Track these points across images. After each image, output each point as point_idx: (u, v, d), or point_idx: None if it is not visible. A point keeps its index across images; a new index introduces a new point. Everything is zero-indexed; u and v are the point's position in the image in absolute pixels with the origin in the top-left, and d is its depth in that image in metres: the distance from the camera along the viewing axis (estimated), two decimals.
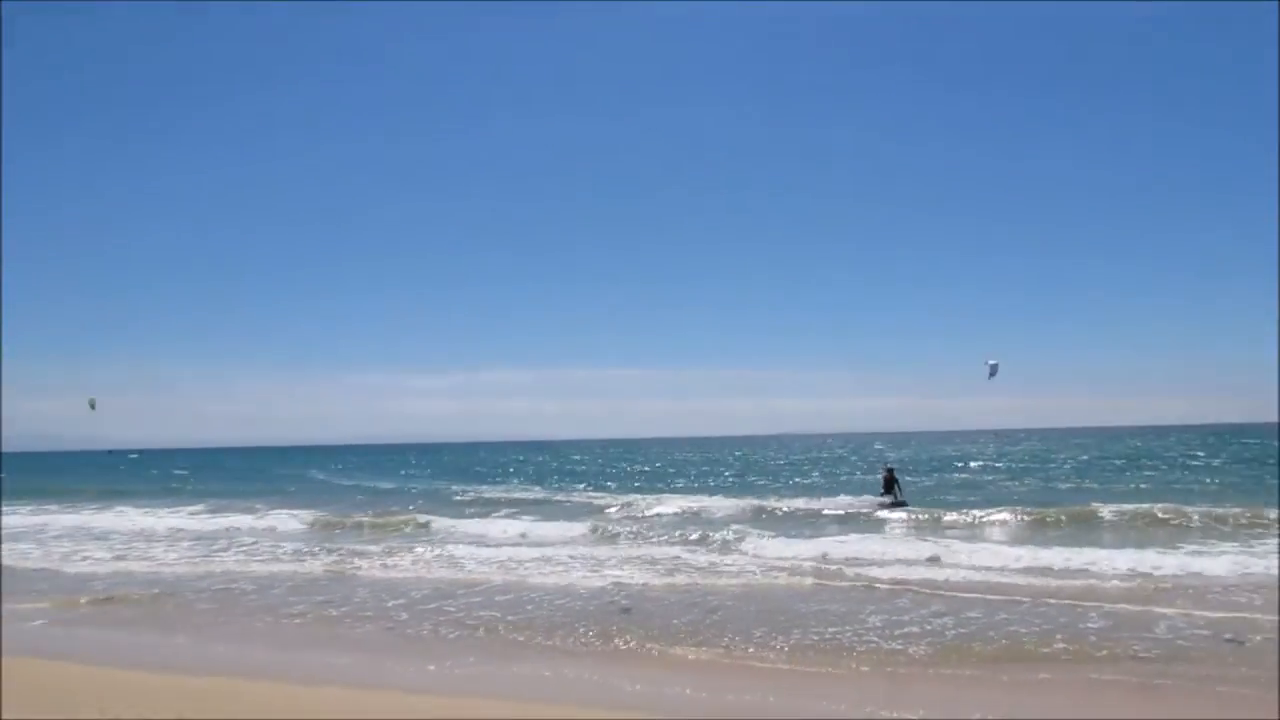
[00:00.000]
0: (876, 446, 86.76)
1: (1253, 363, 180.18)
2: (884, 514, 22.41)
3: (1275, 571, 12.42)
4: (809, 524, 21.78)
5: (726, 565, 15.32)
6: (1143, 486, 29.96)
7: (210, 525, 25.07)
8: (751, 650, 9.41)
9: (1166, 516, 19.75)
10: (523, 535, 20.71)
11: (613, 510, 27.09)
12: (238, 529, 23.94)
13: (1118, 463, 46.14)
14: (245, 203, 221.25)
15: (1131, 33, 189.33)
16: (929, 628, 10.22)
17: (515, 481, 45.72)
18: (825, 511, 24.01)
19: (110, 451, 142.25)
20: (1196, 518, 19.26)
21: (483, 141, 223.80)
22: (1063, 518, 20.98)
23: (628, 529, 21.32)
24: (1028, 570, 13.65)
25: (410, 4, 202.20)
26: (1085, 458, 52.36)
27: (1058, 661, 8.67)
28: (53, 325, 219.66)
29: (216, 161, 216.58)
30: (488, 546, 18.45)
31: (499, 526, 22.53)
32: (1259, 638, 9.17)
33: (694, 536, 19.30)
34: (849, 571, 14.13)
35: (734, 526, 21.02)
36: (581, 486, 39.46)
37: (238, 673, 8.59)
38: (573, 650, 9.68)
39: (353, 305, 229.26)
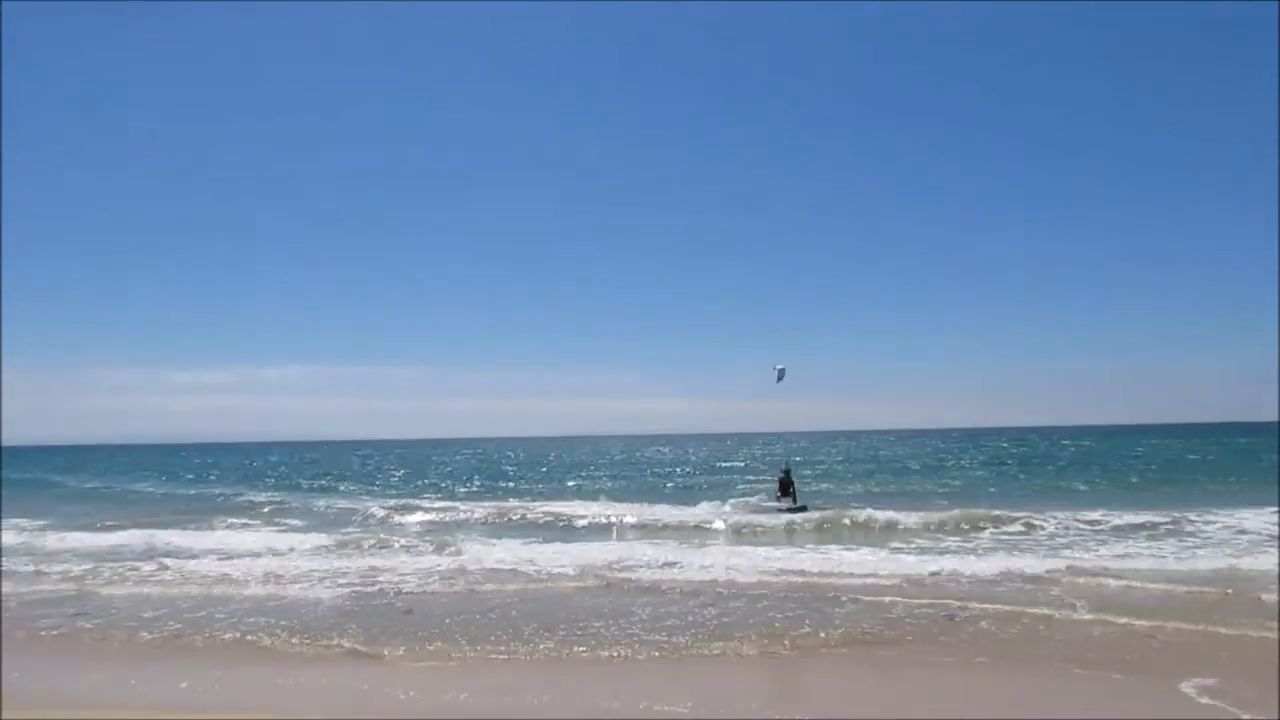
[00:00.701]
0: (661, 450, 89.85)
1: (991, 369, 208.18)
2: (786, 517, 21.98)
3: (981, 566, 14.06)
4: (557, 529, 22.16)
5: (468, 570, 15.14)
6: (887, 489, 33.21)
7: None
8: (525, 645, 9.49)
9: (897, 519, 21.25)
10: (267, 548, 18.65)
11: (362, 517, 26.13)
12: None
13: (869, 466, 50.92)
14: None
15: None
16: (693, 619, 10.82)
17: (270, 482, 43.21)
18: (574, 516, 24.18)
19: None
20: (915, 519, 21.04)
21: (279, 137, 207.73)
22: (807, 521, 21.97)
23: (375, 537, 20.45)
24: (783, 570, 14.31)
25: None
26: (840, 459, 57.42)
27: (807, 638, 9.51)
28: None
29: None
30: (234, 558, 16.99)
31: (241, 537, 20.87)
32: (966, 615, 10.53)
33: (436, 542, 18.95)
34: (613, 575, 14.26)
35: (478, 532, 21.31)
36: (342, 489, 38.88)
37: None
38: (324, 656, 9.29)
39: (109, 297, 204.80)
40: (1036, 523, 19.32)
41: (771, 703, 7.47)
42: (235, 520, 25.28)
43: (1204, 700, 6.98)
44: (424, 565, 15.64)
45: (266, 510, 29.11)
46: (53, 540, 20.29)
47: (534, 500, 29.62)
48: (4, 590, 13.56)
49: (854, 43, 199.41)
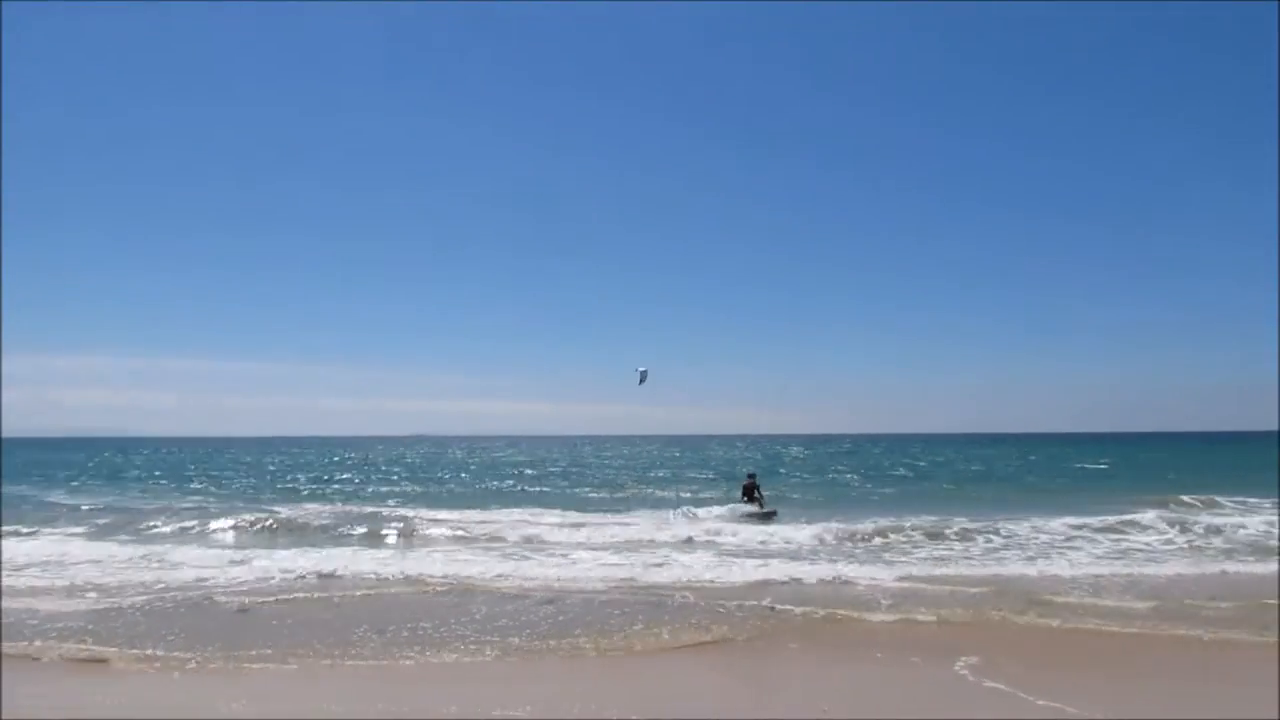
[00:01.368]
0: (495, 453, 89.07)
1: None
2: (753, 524, 21.45)
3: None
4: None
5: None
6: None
7: None
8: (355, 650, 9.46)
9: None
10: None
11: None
12: None
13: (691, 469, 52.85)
14: None
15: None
16: (530, 618, 11.15)
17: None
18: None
19: None
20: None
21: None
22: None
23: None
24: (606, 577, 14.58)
25: None
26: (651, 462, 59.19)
27: (640, 636, 10.01)
28: None
29: None
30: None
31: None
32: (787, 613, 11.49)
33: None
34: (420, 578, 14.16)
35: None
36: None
37: None
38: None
39: None
40: (872, 530, 20.29)
41: (610, 701, 7.89)
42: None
43: (966, 674, 8.43)
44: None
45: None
46: None
47: (364, 503, 28.77)
48: None
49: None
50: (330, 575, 14.34)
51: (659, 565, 15.31)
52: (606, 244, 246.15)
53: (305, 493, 35.53)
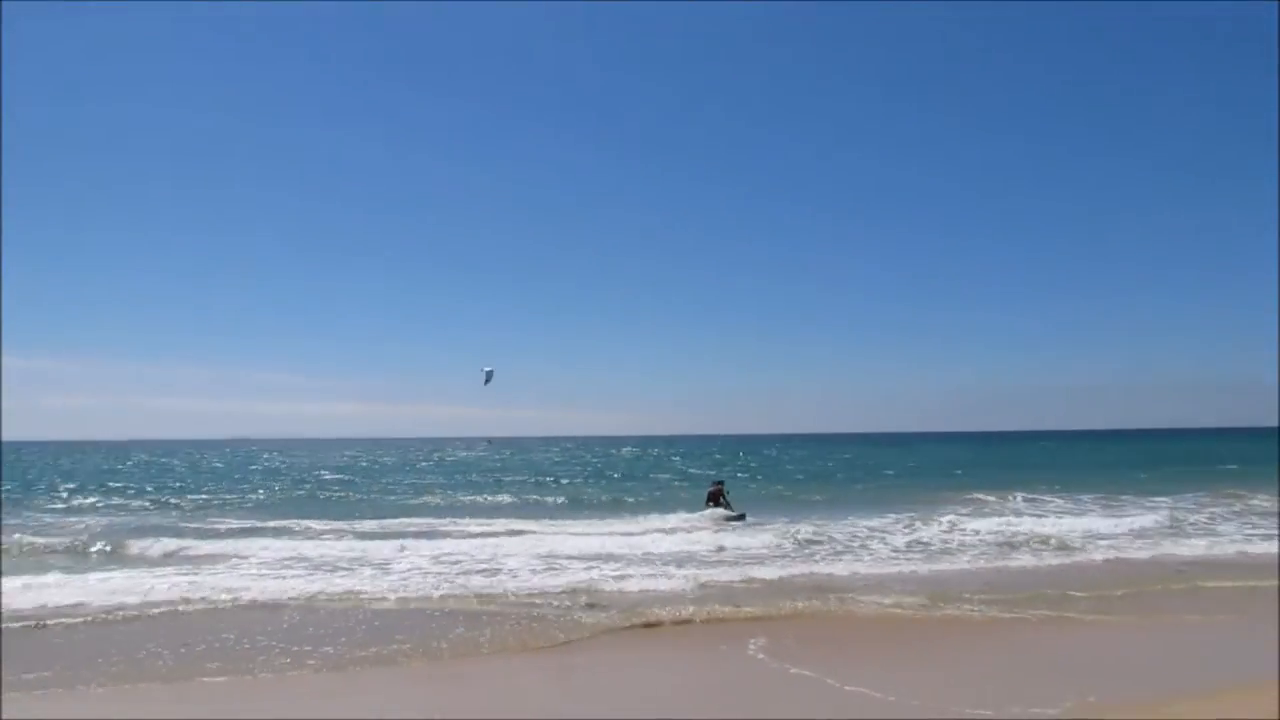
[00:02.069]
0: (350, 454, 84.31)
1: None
2: (723, 527, 21.58)
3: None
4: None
5: None
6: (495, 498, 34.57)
7: None
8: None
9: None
10: None
11: None
12: None
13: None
14: None
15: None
16: (340, 626, 10.59)
17: None
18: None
19: None
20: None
21: None
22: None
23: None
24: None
25: None
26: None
27: (460, 641, 9.71)
28: None
29: None
30: None
31: None
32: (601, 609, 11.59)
33: None
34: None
35: None
36: None
37: None
38: None
39: None
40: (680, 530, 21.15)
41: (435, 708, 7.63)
42: None
43: (758, 654, 9.22)
44: None
45: None
46: None
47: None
48: None
49: None
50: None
51: (486, 573, 15.02)
52: (436, 241, 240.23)
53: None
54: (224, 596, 12.62)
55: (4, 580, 13.33)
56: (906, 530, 20.44)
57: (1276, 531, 19.32)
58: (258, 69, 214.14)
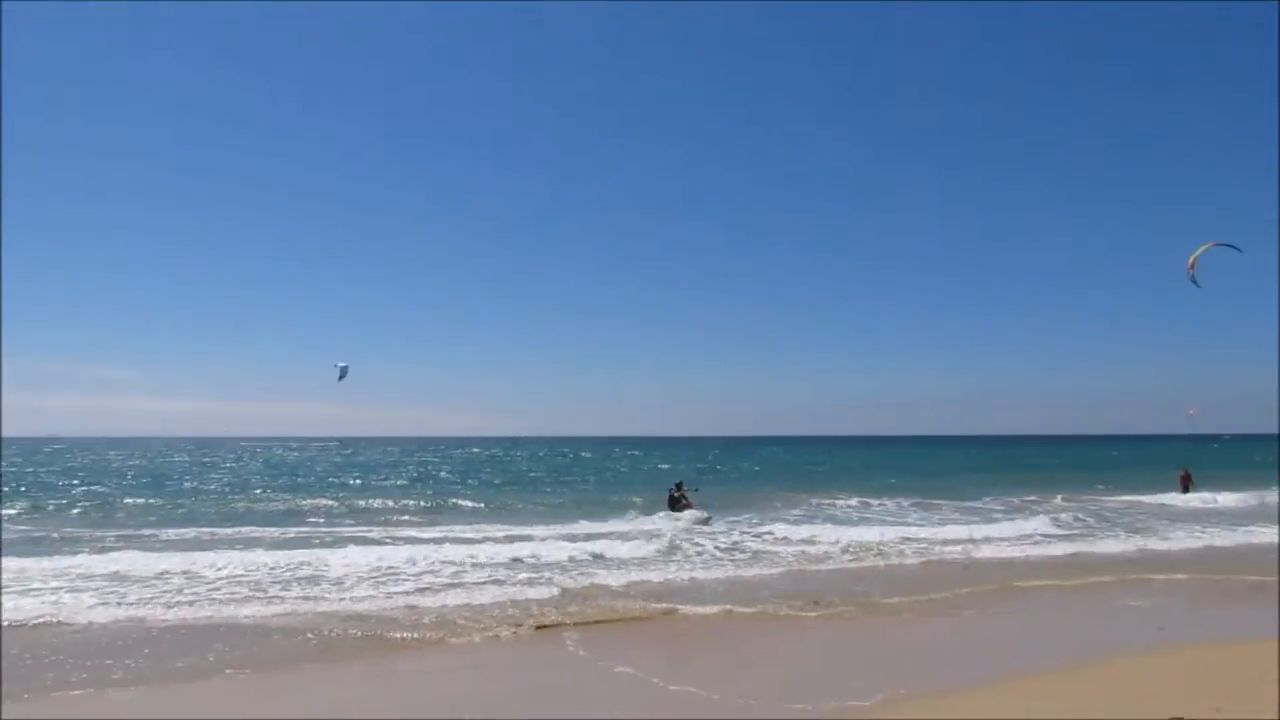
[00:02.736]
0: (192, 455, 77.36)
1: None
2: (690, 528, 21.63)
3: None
4: None
5: None
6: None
7: None
8: None
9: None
10: None
11: None
12: None
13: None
14: None
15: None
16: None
17: None
18: None
19: None
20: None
21: None
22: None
23: None
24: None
25: None
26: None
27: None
28: None
29: None
30: None
31: None
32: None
33: None
34: None
35: None
36: None
37: None
38: None
39: None
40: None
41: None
42: None
43: (579, 652, 8.77)
44: None
45: None
46: None
47: None
48: None
49: None
50: None
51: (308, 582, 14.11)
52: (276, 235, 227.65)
53: None
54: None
55: None
56: (725, 535, 20.46)
57: (1067, 532, 21.20)
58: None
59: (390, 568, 15.00)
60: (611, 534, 20.62)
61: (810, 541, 19.62)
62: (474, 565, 15.49)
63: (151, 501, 31.27)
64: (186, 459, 74.83)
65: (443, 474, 52.68)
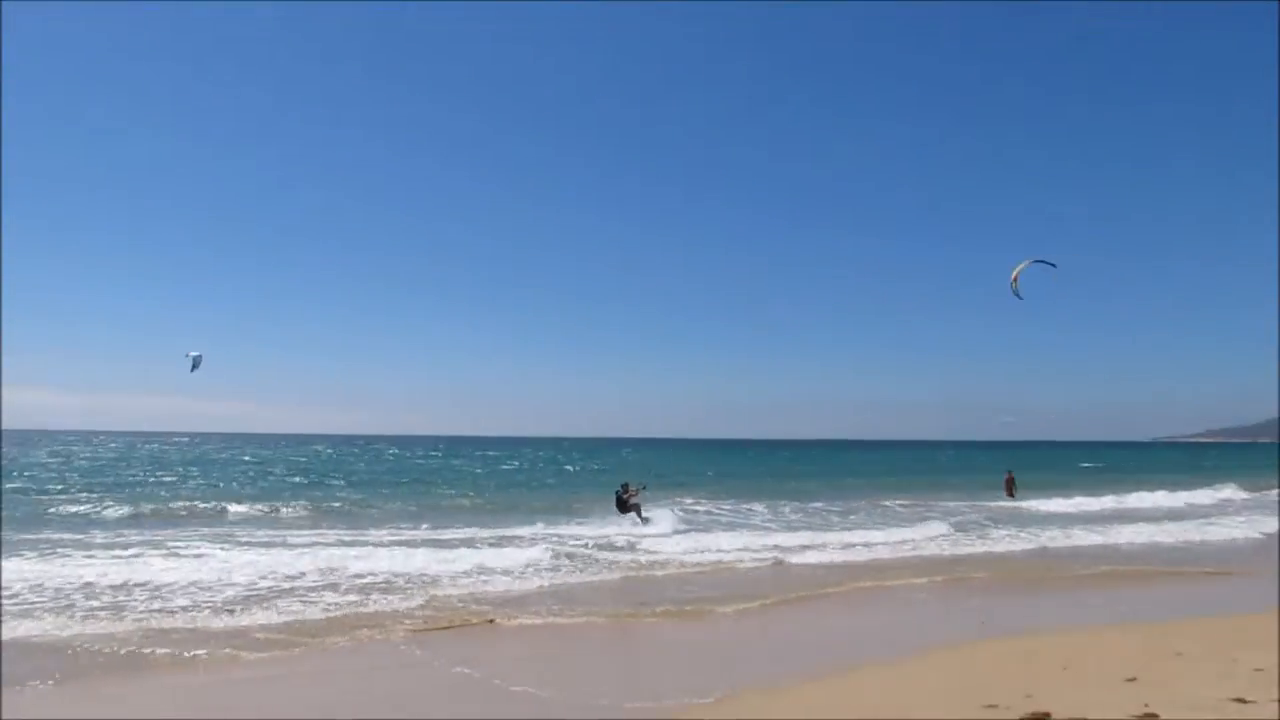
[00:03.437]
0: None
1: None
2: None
3: None
4: None
5: None
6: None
7: None
8: None
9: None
10: None
11: None
12: None
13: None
14: None
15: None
16: None
17: None
18: None
19: None
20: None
21: None
22: None
23: None
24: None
25: None
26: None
27: None
28: None
29: None
30: None
31: None
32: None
33: None
34: None
35: None
36: None
37: None
38: None
39: None
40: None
41: None
42: None
43: (415, 650, 8.44)
44: None
45: None
46: None
47: None
48: None
49: None
50: None
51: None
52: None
53: None
54: None
55: None
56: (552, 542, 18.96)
57: (916, 537, 22.16)
58: None
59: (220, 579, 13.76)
60: (485, 540, 19.51)
61: (650, 552, 18.33)
62: (290, 576, 14.20)
63: None
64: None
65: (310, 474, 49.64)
